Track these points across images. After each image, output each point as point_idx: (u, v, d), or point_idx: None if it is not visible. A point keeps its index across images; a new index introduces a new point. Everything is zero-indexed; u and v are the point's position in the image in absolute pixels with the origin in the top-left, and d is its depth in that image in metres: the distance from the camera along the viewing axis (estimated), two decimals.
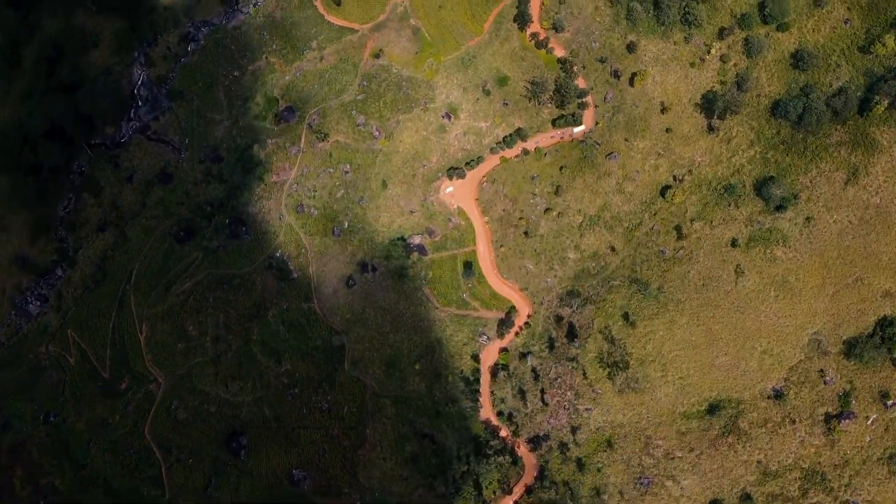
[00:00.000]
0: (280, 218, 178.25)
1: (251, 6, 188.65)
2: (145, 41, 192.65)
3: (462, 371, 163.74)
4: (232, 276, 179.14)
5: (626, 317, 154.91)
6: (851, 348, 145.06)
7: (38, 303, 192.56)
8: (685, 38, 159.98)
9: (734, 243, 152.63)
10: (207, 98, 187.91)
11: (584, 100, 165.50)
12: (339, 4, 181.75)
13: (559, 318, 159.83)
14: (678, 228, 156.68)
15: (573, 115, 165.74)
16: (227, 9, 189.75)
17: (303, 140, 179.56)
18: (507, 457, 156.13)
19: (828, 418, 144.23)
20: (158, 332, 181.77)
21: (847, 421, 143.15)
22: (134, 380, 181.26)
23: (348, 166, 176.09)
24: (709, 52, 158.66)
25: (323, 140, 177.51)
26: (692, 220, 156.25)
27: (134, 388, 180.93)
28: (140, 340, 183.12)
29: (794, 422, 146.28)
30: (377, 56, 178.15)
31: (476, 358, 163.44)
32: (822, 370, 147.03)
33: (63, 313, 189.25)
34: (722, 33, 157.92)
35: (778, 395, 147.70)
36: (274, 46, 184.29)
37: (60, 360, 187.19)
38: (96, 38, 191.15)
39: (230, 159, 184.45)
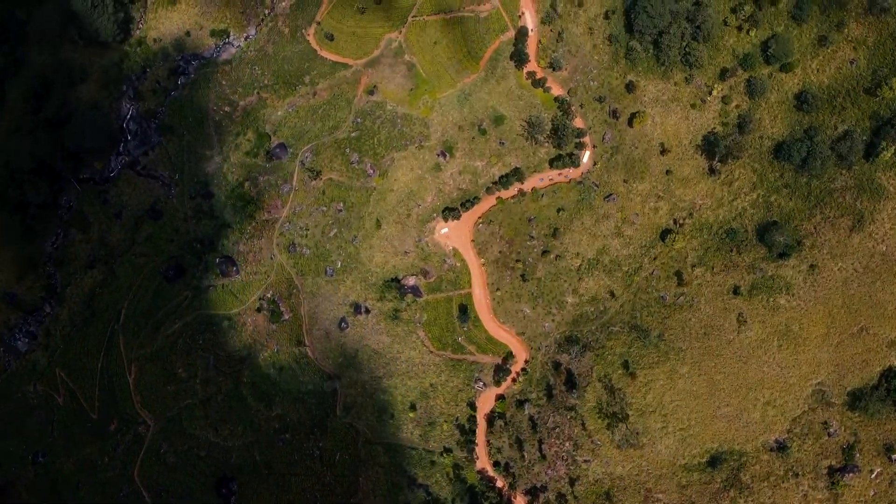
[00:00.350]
0: (271, 257, 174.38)
1: (242, 40, 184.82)
2: (134, 75, 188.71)
3: (458, 419, 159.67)
4: (222, 317, 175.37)
5: (625, 365, 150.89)
6: (856, 400, 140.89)
7: (27, 340, 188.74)
8: (686, 78, 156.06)
9: (736, 291, 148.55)
10: (198, 133, 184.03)
11: (581, 140, 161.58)
12: (331, 39, 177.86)
13: (557, 365, 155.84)
14: (679, 274, 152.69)
15: (571, 155, 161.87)
16: (218, 42, 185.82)
17: (295, 177, 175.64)
18: None
19: (831, 472, 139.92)
20: (147, 374, 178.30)
21: (851, 475, 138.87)
22: (123, 421, 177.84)
23: (341, 205, 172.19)
24: (710, 93, 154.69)
25: (315, 178, 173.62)
26: (693, 266, 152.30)
27: (123, 430, 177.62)
28: (129, 381, 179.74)
29: (797, 475, 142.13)
30: (371, 92, 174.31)
31: (472, 405, 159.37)
32: (825, 422, 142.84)
33: (51, 352, 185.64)
34: (724, 74, 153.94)
35: (781, 448, 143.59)
36: (265, 81, 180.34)
37: (49, 399, 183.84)
38: (84, 73, 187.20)
39: (221, 196, 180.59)
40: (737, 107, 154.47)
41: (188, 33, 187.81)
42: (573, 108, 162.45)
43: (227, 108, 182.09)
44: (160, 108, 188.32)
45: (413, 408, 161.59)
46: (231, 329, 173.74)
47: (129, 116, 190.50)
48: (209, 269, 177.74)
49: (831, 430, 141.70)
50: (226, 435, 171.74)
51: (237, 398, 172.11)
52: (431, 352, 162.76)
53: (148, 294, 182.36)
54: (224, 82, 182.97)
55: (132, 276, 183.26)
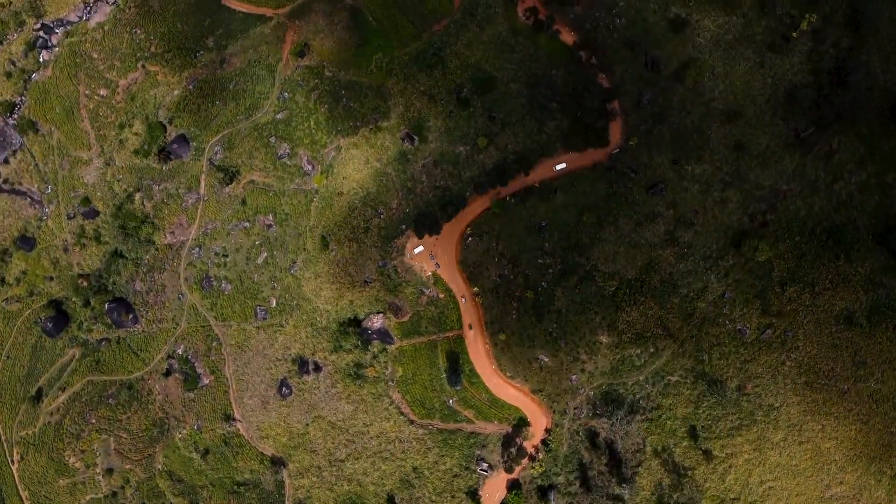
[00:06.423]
0: (180, 297, 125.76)
1: None
2: None
3: None
4: (120, 384, 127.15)
5: (693, 433, 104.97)
6: None
7: None
8: (760, 6, 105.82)
9: (849, 319, 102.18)
10: (69, 129, 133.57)
11: (608, 105, 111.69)
12: None
13: (593, 435, 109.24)
14: (763, 296, 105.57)
15: (594, 128, 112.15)
16: (87, 0, 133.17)
17: (203, 183, 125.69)
18: None
19: None
20: (33, 463, 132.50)
21: None
22: None
23: (271, 217, 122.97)
24: (796, 28, 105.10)
25: (231, 181, 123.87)
26: (783, 284, 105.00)
27: None
28: (13, 472, 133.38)
29: None
30: (301, 54, 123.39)
31: (474, 496, 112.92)
32: None
33: None
34: None
35: None
36: (153, 49, 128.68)
37: None
38: None
39: (107, 214, 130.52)
40: (834, 46, 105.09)
41: None
42: (593, 60, 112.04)
43: (102, 92, 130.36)
44: (19, 97, 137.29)
45: (391, 502, 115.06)
46: (133, 400, 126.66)
47: None
48: (98, 318, 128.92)
49: None
50: None
51: (152, 493, 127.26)
52: (412, 421, 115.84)
53: (24, 354, 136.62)
54: (96, 56, 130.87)
55: (2, 329, 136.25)
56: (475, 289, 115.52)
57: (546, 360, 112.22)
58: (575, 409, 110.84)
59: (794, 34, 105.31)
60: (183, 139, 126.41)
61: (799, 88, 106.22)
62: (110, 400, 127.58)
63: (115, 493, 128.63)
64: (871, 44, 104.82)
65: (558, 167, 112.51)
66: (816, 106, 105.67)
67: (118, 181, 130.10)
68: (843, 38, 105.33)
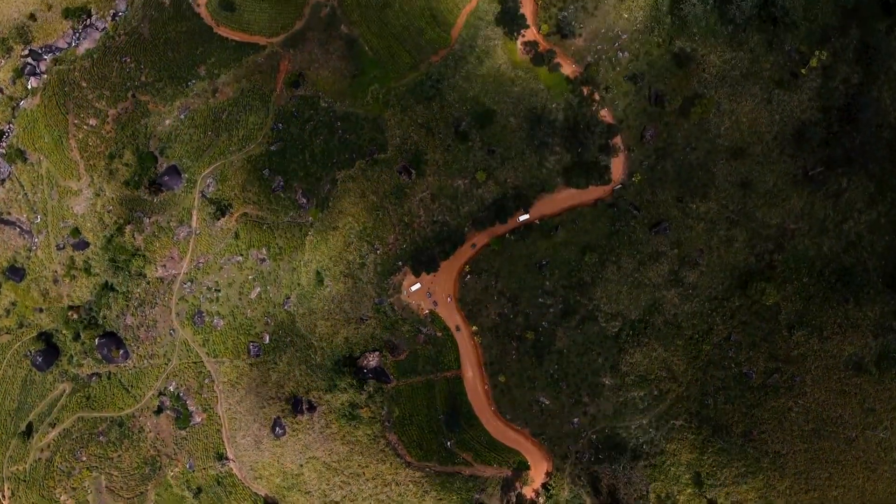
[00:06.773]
0: (171, 332, 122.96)
1: (109, 20, 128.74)
2: None
3: None
4: (110, 421, 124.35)
5: (697, 480, 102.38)
6: None
7: None
8: (768, 42, 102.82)
9: (858, 364, 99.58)
10: (58, 158, 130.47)
11: (610, 141, 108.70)
12: (232, 10, 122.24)
13: (595, 480, 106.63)
14: (769, 340, 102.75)
15: (596, 164, 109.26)
16: (76, 26, 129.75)
17: (195, 216, 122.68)
18: None
19: None
20: (24, 500, 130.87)
21: None
22: None
23: (264, 252, 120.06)
24: (805, 64, 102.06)
25: (224, 214, 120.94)
26: (791, 328, 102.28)
27: None
28: None
29: None
30: (296, 83, 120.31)
31: None
32: None
33: None
34: (826, 34, 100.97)
35: None
36: (143, 78, 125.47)
37: None
38: None
39: (97, 245, 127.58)
40: (844, 82, 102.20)
41: (33, 16, 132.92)
42: (595, 95, 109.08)
43: (92, 121, 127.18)
44: (6, 125, 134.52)
45: None
46: (125, 438, 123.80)
47: None
48: (88, 352, 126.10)
49: None
50: None
51: None
52: (409, 464, 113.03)
53: (14, 387, 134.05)
54: (85, 84, 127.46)
55: None
56: (474, 328, 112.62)
57: (547, 402, 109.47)
58: (577, 453, 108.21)
59: (804, 70, 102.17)
60: (174, 170, 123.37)
61: (808, 126, 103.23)
62: (101, 437, 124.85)
63: None
64: (882, 80, 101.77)
65: (521, 218, 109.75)
66: (825, 143, 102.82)
67: (108, 212, 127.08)
68: (853, 74, 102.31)
